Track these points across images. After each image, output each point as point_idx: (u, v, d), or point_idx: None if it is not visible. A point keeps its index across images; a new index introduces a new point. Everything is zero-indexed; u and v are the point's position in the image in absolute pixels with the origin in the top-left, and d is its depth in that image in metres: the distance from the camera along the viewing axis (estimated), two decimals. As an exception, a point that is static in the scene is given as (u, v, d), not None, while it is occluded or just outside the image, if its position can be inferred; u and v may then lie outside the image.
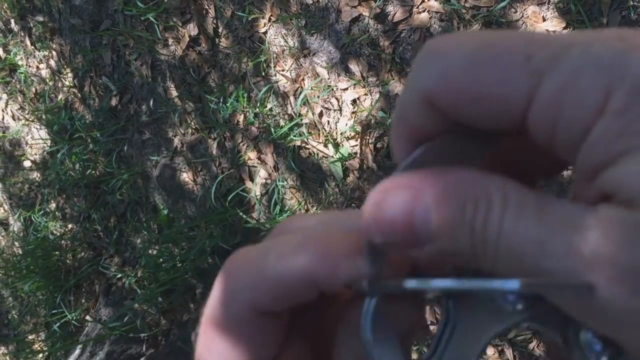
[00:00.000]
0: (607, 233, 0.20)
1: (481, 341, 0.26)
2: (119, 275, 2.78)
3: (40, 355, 3.28)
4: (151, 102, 2.53)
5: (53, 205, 3.09)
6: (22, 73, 3.06)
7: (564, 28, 1.76)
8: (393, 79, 2.01)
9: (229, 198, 2.33)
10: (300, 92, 2.17)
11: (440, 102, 0.24)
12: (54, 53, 2.91)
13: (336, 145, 2.12)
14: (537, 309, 0.25)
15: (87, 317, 2.90)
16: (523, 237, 0.21)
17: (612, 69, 0.20)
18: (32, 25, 2.97)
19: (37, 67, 3.02)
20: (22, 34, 3.03)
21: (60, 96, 2.93)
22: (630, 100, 0.20)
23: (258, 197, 2.32)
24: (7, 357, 3.74)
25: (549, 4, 1.77)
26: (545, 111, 0.22)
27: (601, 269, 0.20)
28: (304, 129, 2.17)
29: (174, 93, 2.47)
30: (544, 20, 1.78)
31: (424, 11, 1.94)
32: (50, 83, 2.97)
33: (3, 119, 3.29)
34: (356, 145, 2.10)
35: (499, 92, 0.22)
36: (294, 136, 2.18)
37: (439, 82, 0.23)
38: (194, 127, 2.44)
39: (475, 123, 0.24)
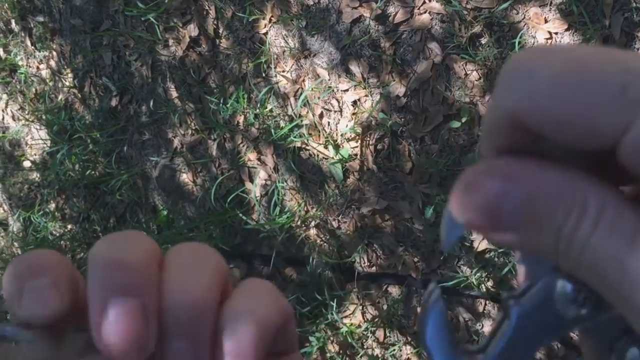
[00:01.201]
0: None
1: (536, 343, 0.26)
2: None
3: None
4: (151, 103, 2.52)
5: (52, 206, 3.08)
6: (22, 73, 3.06)
7: (566, 30, 1.75)
8: (394, 80, 2.01)
9: (229, 199, 2.33)
10: (301, 93, 2.16)
11: (527, 122, 0.23)
12: (54, 53, 2.91)
13: (336, 147, 2.12)
14: (600, 317, 0.25)
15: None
16: (609, 256, 0.21)
17: None
18: (32, 25, 2.96)
19: (38, 68, 3.01)
20: (23, 34, 3.02)
21: (60, 96, 2.92)
22: None
23: (258, 198, 2.31)
24: None
25: (550, 5, 1.77)
26: (637, 146, 0.21)
27: None
28: (304, 130, 2.16)
29: (174, 94, 2.46)
30: (546, 21, 1.78)
31: (425, 12, 1.94)
32: (51, 83, 2.97)
33: (3, 119, 3.28)
34: (356, 147, 2.09)
35: (590, 120, 0.21)
36: (294, 137, 2.17)
37: (525, 103, 0.23)
38: (193, 128, 2.43)
39: (564, 142, 0.23)
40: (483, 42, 1.87)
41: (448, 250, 0.29)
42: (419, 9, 1.95)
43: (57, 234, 3.04)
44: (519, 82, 0.23)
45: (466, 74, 1.90)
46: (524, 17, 1.80)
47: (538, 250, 0.23)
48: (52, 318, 0.28)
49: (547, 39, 1.78)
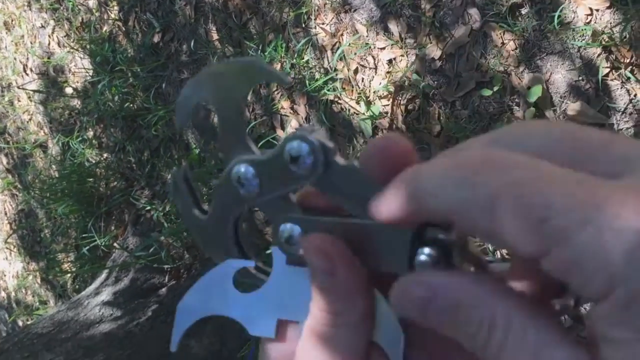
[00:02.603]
0: None
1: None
2: (148, 208, 2.88)
3: (68, 275, 3.44)
4: (192, 43, 2.57)
5: (91, 133, 3.18)
6: (70, 1, 3.12)
7: (607, 7, 1.74)
8: (430, 43, 2.02)
9: (260, 144, 2.39)
10: (338, 47, 2.19)
11: (455, 221, 0.26)
12: (102, -16, 2.96)
13: (368, 103, 2.15)
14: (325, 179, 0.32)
15: (115, 244, 3.02)
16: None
17: (617, 267, 0.22)
18: (82, -46, 3.01)
19: (85, -3, 3.07)
20: (73, -38, 3.08)
21: (105, 28, 2.98)
22: (629, 301, 0.22)
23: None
24: (38, 273, 3.92)
25: (595, -19, 1.75)
26: (553, 270, 0.24)
27: None
28: (338, 84, 2.20)
29: (215, 36, 2.51)
30: (588, -3, 1.77)
31: (468, -23, 1.94)
32: (97, 14, 3.03)
33: (49, 44, 3.37)
34: (388, 105, 2.12)
35: (512, 240, 0.24)
36: (328, 90, 2.21)
37: (460, 209, 0.26)
38: (231, 71, 2.48)
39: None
40: (523, 12, 1.86)
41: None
42: (462, -27, 1.94)
43: (93, 161, 3.15)
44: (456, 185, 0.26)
45: (503, 43, 1.91)
46: (567, -9, 1.79)
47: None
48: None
49: (587, 14, 1.77)
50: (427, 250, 0.29)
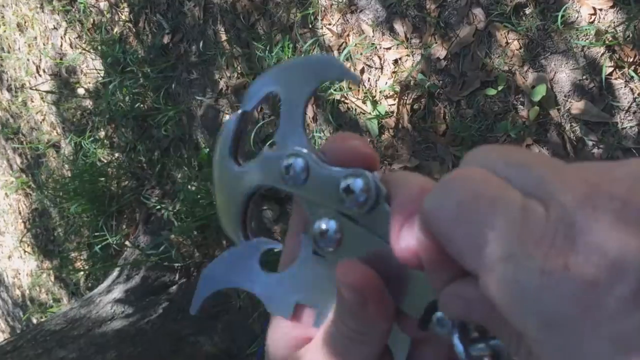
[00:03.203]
0: None
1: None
2: (159, 206, 2.92)
3: (81, 273, 3.49)
4: (201, 44, 2.61)
5: (102, 133, 3.23)
6: (81, 3, 3.16)
7: (611, 7, 1.75)
8: (436, 43, 2.04)
9: (267, 144, 2.42)
10: (345, 48, 2.21)
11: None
12: (112, -14, 3.00)
13: (374, 103, 2.17)
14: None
15: (127, 243, 3.06)
16: None
17: (527, 302, 0.24)
18: (94, -43, 3.05)
19: (96, -1, 3.12)
20: (84, -36, 3.12)
21: (115, 29, 3.02)
22: (539, 336, 0.24)
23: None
24: (51, 271, 3.98)
25: (598, -19, 1.76)
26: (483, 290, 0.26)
27: None
28: (344, 84, 2.22)
29: (224, 37, 2.54)
30: (592, -3, 1.78)
31: (473, -22, 1.95)
32: (108, 15, 3.07)
33: (61, 45, 3.41)
34: (394, 105, 2.14)
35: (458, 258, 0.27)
36: (334, 90, 2.23)
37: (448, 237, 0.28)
38: (239, 71, 2.52)
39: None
40: (527, 12, 1.88)
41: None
42: (467, -27, 1.96)
43: (105, 161, 3.19)
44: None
45: (507, 43, 1.92)
46: (571, -9, 1.81)
47: None
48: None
49: (591, 14, 1.78)
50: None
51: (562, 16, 1.81)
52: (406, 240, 0.30)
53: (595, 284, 0.22)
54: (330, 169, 0.35)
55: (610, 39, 1.75)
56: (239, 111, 0.40)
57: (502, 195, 0.26)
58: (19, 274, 4.42)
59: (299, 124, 0.37)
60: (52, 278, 3.97)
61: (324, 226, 0.35)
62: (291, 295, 0.37)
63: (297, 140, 0.36)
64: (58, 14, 3.37)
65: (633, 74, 1.73)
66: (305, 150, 0.36)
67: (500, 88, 1.93)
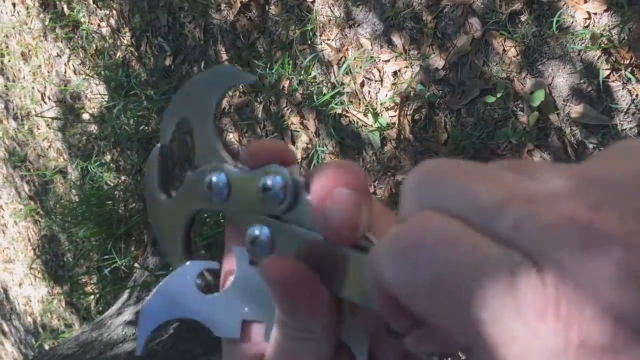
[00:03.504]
0: None
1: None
2: (166, 227, 2.93)
3: (92, 296, 3.50)
4: (202, 64, 2.64)
5: (108, 157, 3.26)
6: (84, 30, 3.21)
7: (605, 10, 1.77)
8: (434, 53, 2.06)
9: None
10: (344, 62, 2.24)
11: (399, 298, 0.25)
12: (114, 12, 3.04)
13: (375, 115, 2.19)
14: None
15: (136, 264, 3.07)
16: None
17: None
18: (94, -16, 3.10)
19: (99, 25, 3.16)
20: (85, -8, 3.17)
21: (118, 54, 3.07)
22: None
23: (299, 161, 2.41)
24: (62, 297, 3.99)
25: (591, -14, 1.78)
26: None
27: None
28: (345, 98, 2.24)
29: (224, 56, 2.57)
30: (586, 2, 1.80)
31: (467, -12, 1.98)
32: (110, 41, 3.11)
33: (65, 72, 3.46)
34: (395, 116, 2.16)
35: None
36: (336, 104, 2.26)
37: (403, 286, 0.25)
38: (241, 90, 2.54)
39: None
40: (522, 19, 1.90)
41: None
42: (461, -16, 1.98)
43: (112, 184, 3.22)
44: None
45: (504, 50, 1.94)
46: (564, -3, 1.83)
47: None
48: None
49: (585, 18, 1.80)
50: None
51: (557, 22, 1.82)
52: (330, 221, 0.30)
53: (615, 351, 0.19)
54: (247, 174, 0.35)
55: (606, 42, 1.77)
56: (158, 145, 0.41)
57: (483, 259, 0.22)
58: (30, 301, 4.44)
59: (213, 140, 0.37)
60: (63, 304, 3.99)
61: (255, 232, 0.34)
62: (236, 313, 0.36)
63: (214, 155, 0.36)
64: (61, 42, 3.42)
65: (630, 75, 1.75)
66: (223, 163, 0.36)
67: (499, 95, 1.95)
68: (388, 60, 2.16)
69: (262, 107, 2.49)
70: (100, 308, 3.48)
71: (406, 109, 2.14)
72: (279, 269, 0.31)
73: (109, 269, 3.09)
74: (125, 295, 2.98)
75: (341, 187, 0.30)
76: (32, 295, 4.39)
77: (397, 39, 2.13)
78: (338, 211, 0.30)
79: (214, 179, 0.35)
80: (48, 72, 3.58)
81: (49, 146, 3.73)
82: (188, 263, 0.38)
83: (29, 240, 4.26)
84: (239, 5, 2.46)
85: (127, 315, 2.83)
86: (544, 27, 1.87)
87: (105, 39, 3.13)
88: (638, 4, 1.72)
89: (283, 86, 2.41)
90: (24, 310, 4.53)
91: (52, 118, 3.59)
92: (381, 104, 2.18)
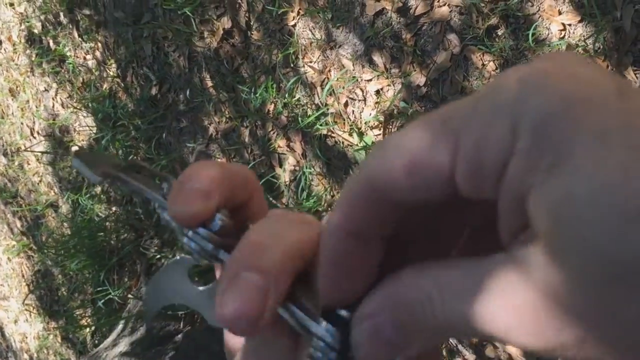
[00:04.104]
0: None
1: None
2: (159, 256, 2.94)
3: (87, 329, 3.48)
4: (188, 92, 2.66)
5: (98, 189, 3.26)
6: (70, 63, 3.24)
7: (579, 21, 1.80)
8: (414, 71, 2.09)
9: (260, 183, 2.44)
10: (327, 83, 2.26)
11: (383, 186, 0.25)
12: (99, 45, 3.07)
13: (360, 134, 2.21)
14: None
15: (130, 295, 3.06)
16: (463, 317, 0.23)
17: (513, 114, 0.22)
18: (79, 18, 3.13)
19: (84, 58, 3.19)
20: (70, 26, 3.20)
21: (105, 85, 3.09)
22: (533, 140, 0.21)
23: (287, 183, 2.42)
24: (58, 332, 3.96)
25: (564, -3, 1.82)
26: (468, 165, 0.23)
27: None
28: (329, 119, 2.26)
29: (209, 83, 2.59)
30: (560, 13, 1.83)
31: (444, 5, 2.01)
32: (96, 73, 3.14)
33: (53, 106, 3.48)
34: (379, 134, 2.18)
35: (427, 158, 0.24)
36: (321, 125, 2.27)
37: (379, 168, 0.25)
38: (227, 115, 2.56)
39: (417, 199, 0.25)
40: (499, 33, 1.93)
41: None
42: (438, 1, 2.02)
43: (103, 216, 3.22)
44: (377, 156, 0.26)
45: (483, 65, 1.97)
46: (539, 9, 1.86)
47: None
48: (194, 217, 0.32)
49: (560, 30, 1.83)
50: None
51: (533, 34, 1.85)
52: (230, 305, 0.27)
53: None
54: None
55: (582, 52, 1.79)
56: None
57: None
58: (26, 337, 4.41)
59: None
60: (59, 339, 3.96)
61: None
62: None
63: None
64: (48, 76, 3.44)
65: (607, 83, 1.77)
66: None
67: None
68: (370, 80, 2.18)
69: (249, 132, 2.51)
70: (96, 341, 3.45)
71: (390, 127, 2.16)
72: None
73: (103, 301, 3.08)
74: (119, 327, 2.96)
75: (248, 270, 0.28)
76: (28, 331, 4.36)
77: (378, 58, 2.16)
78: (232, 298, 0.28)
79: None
80: (36, 107, 3.59)
81: (40, 181, 3.74)
82: (178, 257, 0.39)
83: (23, 276, 4.24)
84: (222, 32, 2.49)
85: (122, 346, 2.81)
86: (521, 40, 1.90)
87: (92, 72, 3.15)
88: (611, 14, 1.75)
89: (268, 110, 2.43)
90: (20, 347, 4.50)
91: (42, 152, 3.60)
92: (365, 123, 2.20)
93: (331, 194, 2.33)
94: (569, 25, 1.82)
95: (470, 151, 0.23)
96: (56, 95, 3.43)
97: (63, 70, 3.33)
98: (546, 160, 0.21)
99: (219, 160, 2.65)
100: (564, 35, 1.83)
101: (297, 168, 2.40)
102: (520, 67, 0.23)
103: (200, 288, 0.39)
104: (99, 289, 3.11)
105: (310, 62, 2.31)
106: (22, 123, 3.75)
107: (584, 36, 1.79)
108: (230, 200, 0.33)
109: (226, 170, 0.33)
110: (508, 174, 0.22)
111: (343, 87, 2.23)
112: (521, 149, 0.21)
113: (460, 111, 0.24)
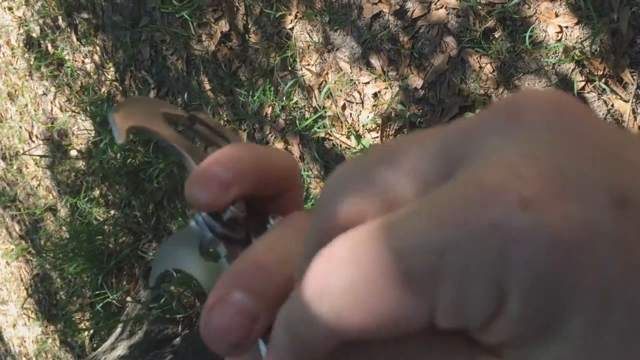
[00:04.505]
0: None
1: None
2: (157, 259, 2.93)
3: (86, 333, 3.48)
4: (186, 95, 2.66)
5: (97, 192, 3.26)
6: (68, 67, 3.24)
7: (576, 24, 1.80)
8: (412, 73, 2.09)
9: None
10: (324, 86, 2.26)
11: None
12: (97, 48, 3.08)
13: (358, 137, 2.21)
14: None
15: (128, 298, 3.06)
16: None
17: (496, 273, 0.19)
18: (77, 22, 3.14)
19: (83, 62, 3.19)
20: (69, 30, 3.20)
21: (103, 89, 3.09)
22: (525, 307, 0.19)
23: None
24: (56, 336, 3.96)
25: (561, 0, 1.82)
26: (449, 320, 0.20)
27: None
28: (327, 121, 2.26)
29: (207, 86, 2.59)
30: (557, 15, 1.83)
31: (441, 8, 2.01)
32: (95, 77, 3.14)
33: (52, 110, 3.48)
34: (377, 137, 2.18)
35: (402, 319, 0.21)
36: (318, 128, 2.28)
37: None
38: (225, 118, 2.56)
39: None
40: (496, 35, 1.93)
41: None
42: (435, 4, 2.02)
43: (101, 219, 3.22)
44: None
45: (480, 67, 1.97)
46: (536, 12, 1.86)
47: None
48: (206, 206, 0.31)
49: (557, 32, 1.83)
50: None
51: (530, 36, 1.86)
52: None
53: None
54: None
55: (579, 54, 1.80)
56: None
57: None
58: (25, 341, 4.40)
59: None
60: (58, 342, 3.95)
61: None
62: None
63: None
64: (47, 80, 3.44)
65: (604, 86, 1.77)
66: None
67: (477, 111, 1.96)
68: (368, 82, 2.19)
69: (247, 135, 2.51)
70: (95, 344, 3.45)
71: (388, 129, 2.16)
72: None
73: (101, 305, 3.08)
74: (118, 330, 2.96)
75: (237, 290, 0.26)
76: (27, 335, 4.35)
77: (375, 61, 2.16)
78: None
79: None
80: (35, 110, 3.60)
81: (38, 184, 3.74)
82: (193, 223, 0.39)
83: (22, 280, 4.24)
84: (220, 35, 2.50)
85: (121, 350, 2.81)
86: (518, 42, 1.90)
87: (90, 75, 3.16)
88: (608, 16, 1.75)
89: (266, 113, 2.43)
90: (19, 351, 4.49)
91: (40, 156, 3.60)
92: (363, 125, 2.20)
93: (329, 196, 2.33)
94: (566, 27, 1.83)
95: (450, 309, 0.20)
96: (54, 99, 3.43)
97: (61, 74, 3.33)
98: (540, 329, 0.19)
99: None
100: (561, 38, 1.83)
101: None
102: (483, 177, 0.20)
103: (209, 263, 0.39)
104: (97, 292, 3.11)
105: (308, 65, 2.31)
106: (20, 127, 3.75)
107: (580, 38, 1.80)
108: (257, 190, 0.32)
109: (261, 159, 0.31)
110: (496, 330, 0.20)
111: (341, 90, 2.23)
112: (513, 314, 0.19)
113: (426, 259, 0.20)
